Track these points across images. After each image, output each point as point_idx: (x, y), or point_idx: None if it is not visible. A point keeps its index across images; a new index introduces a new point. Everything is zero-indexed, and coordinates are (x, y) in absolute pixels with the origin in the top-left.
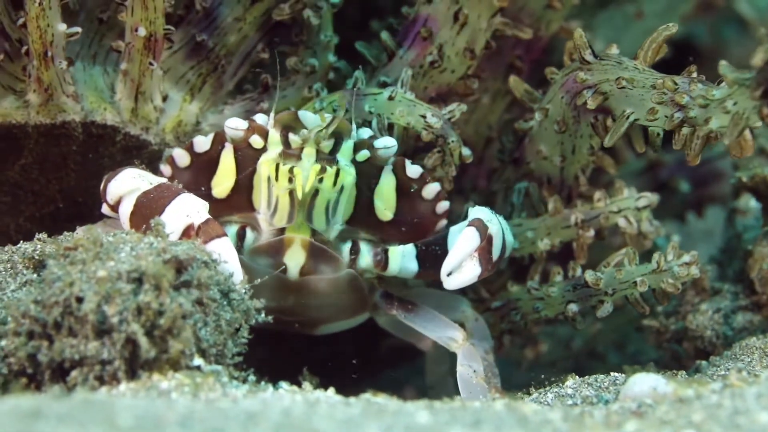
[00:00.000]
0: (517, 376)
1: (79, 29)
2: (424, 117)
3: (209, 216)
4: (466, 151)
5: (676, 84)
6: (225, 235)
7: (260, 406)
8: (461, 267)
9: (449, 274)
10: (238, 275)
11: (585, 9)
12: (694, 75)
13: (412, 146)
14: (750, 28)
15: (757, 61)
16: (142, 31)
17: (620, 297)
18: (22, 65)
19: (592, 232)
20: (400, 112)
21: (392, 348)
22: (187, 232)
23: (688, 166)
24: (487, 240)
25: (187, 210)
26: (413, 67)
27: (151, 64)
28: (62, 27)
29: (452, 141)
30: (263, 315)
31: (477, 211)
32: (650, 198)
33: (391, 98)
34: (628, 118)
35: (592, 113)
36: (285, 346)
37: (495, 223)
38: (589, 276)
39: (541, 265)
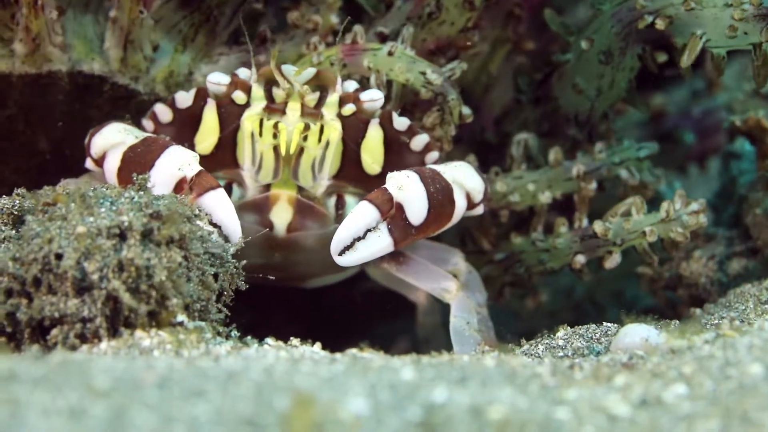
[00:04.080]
0: (516, 325)
1: None
2: (423, 74)
3: (201, 168)
4: (466, 110)
5: None
6: (219, 186)
7: (242, 365)
8: (358, 243)
9: (341, 253)
10: (236, 229)
11: None
12: None
13: (411, 101)
14: None
15: None
16: None
17: (629, 247)
18: (11, 13)
19: (594, 185)
20: (399, 68)
21: (384, 299)
22: (179, 186)
23: (691, 117)
24: (396, 208)
25: (178, 162)
26: (411, 19)
27: (141, 12)
28: None
29: (452, 99)
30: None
31: (390, 178)
32: (650, 147)
33: (390, 54)
34: (701, 38)
35: (641, 44)
36: (274, 298)
37: (413, 185)
38: (598, 226)
39: (543, 218)
